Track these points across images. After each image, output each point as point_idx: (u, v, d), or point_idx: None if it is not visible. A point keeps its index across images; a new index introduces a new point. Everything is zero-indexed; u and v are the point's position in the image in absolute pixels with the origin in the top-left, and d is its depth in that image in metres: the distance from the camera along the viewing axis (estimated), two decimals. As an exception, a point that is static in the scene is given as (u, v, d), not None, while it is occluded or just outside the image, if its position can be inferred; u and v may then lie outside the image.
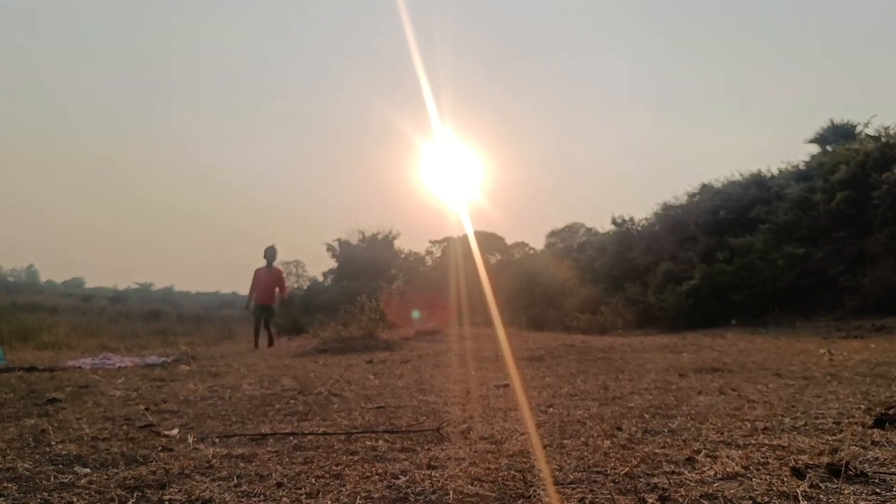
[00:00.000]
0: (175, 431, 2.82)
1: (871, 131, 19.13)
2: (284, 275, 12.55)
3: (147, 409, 3.49)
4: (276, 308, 12.14)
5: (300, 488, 1.92)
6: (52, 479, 2.03)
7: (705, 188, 23.25)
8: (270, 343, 11.50)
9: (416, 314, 11.82)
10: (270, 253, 12.02)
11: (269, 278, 11.85)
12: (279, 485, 1.95)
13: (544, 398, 3.86)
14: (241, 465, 2.21)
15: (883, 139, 16.73)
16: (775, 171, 21.96)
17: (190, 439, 2.63)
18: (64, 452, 2.37)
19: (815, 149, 22.25)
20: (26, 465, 2.18)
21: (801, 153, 39.02)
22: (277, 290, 12.04)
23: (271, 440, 2.65)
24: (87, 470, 2.14)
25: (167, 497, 1.83)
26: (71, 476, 2.06)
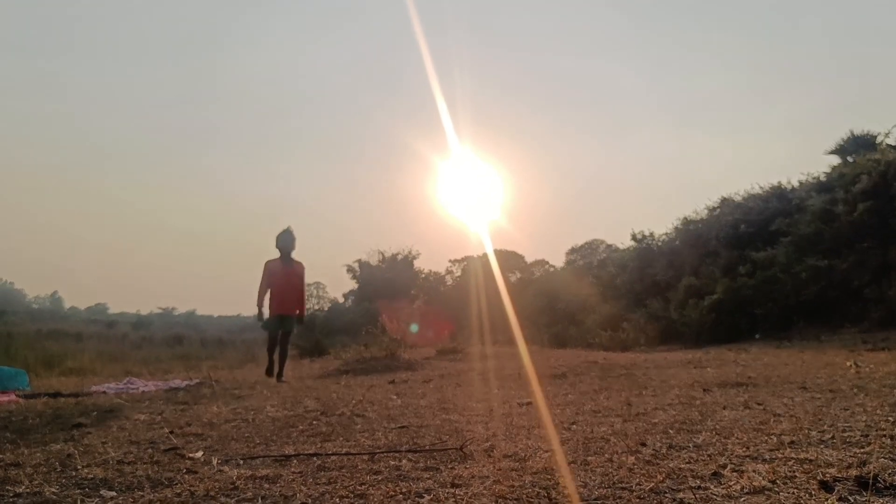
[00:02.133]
0: (199, 454, 2.83)
1: (891, 141, 18.97)
2: (306, 273, 9.03)
3: (171, 432, 3.51)
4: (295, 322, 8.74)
5: (324, 508, 1.92)
6: (79, 502, 2.04)
7: (725, 202, 23.10)
8: (281, 370, 8.35)
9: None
10: (286, 240, 8.60)
11: (289, 277, 8.57)
12: (303, 505, 1.96)
13: (567, 415, 3.84)
14: (266, 486, 2.22)
15: (905, 148, 16.57)
16: (796, 184, 21.79)
17: (214, 462, 2.64)
18: (90, 476, 2.39)
19: (835, 160, 22.09)
20: (53, 490, 2.20)
21: (821, 164, 38.71)
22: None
23: (295, 461, 2.66)
24: (114, 493, 2.15)
25: (193, 519, 1.84)
26: (97, 500, 2.07)
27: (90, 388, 7.36)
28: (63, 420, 4.01)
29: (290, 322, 8.61)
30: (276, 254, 8.69)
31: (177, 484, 2.26)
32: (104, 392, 6.82)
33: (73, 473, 2.46)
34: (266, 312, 8.52)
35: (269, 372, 8.45)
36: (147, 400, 5.41)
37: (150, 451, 2.96)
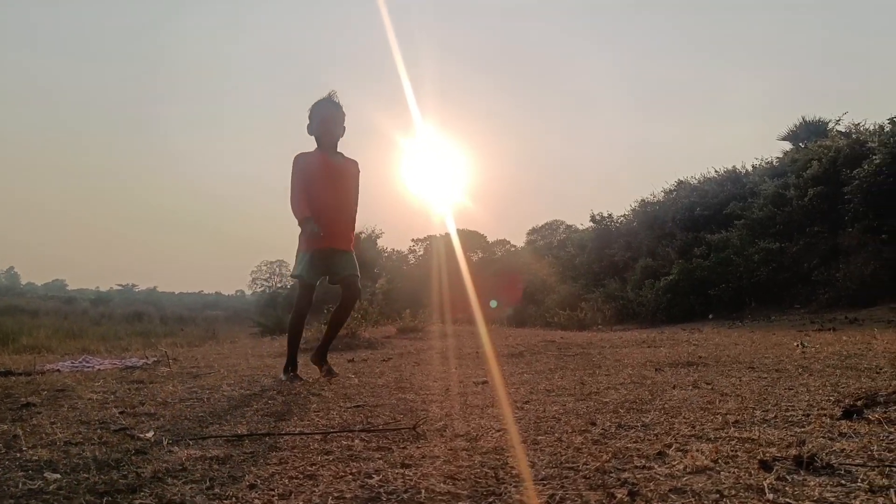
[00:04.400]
0: (150, 434, 2.80)
1: (841, 128, 19.48)
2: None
3: (123, 412, 3.47)
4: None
5: (273, 489, 1.92)
6: (21, 485, 2.00)
7: (682, 185, 23.57)
8: (324, 350, 5.47)
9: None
10: (329, 116, 5.07)
11: (338, 182, 5.13)
12: (252, 486, 1.96)
13: (522, 394, 3.89)
14: (215, 466, 2.21)
15: (853, 136, 17.06)
16: (750, 168, 22.30)
17: (165, 442, 2.62)
18: (35, 458, 2.35)
19: (787, 146, 22.63)
20: (-5, 471, 2.16)
21: (774, 149, 39.54)
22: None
23: (247, 441, 2.65)
24: (58, 475, 2.12)
25: (137, 501, 1.83)
26: (40, 482, 2.04)
27: (44, 366, 7.20)
28: (12, 399, 3.92)
29: (349, 260, 5.14)
30: (309, 145, 5.17)
31: (124, 465, 2.24)
32: (58, 370, 6.69)
33: (18, 455, 2.41)
34: (312, 230, 4.81)
35: (290, 368, 5.12)
36: (101, 378, 5.33)
37: (99, 431, 2.92)
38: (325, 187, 5.04)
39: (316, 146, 5.15)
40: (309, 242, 4.96)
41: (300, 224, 4.90)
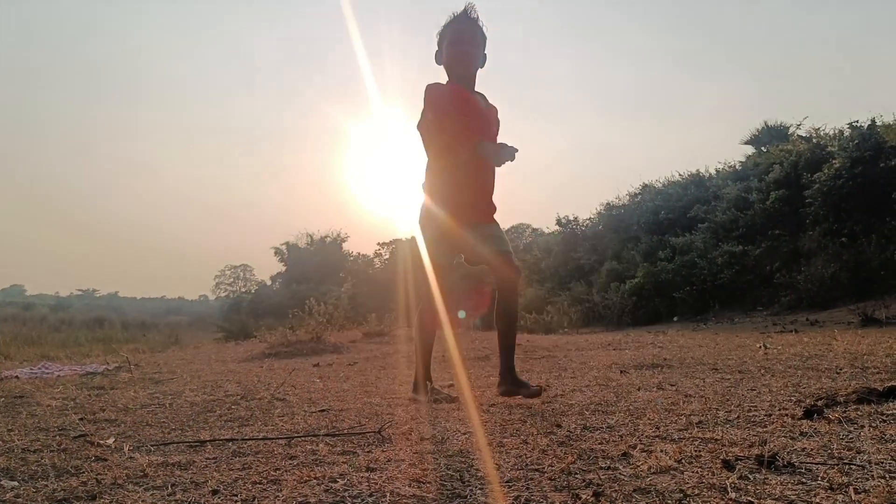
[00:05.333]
0: (111, 441, 2.75)
1: (802, 132, 19.91)
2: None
3: (83, 418, 3.40)
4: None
5: (236, 495, 1.89)
6: (-23, 493, 1.95)
7: (647, 188, 23.87)
8: (511, 363, 3.75)
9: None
10: (462, 33, 3.62)
11: (487, 126, 3.76)
12: (214, 492, 1.92)
13: (487, 397, 3.90)
14: (177, 472, 2.17)
15: (814, 140, 17.45)
16: (713, 172, 22.68)
17: (125, 448, 2.56)
18: (-9, 466, 2.29)
19: (750, 149, 23.07)
20: (-50, 481, 2.10)
21: (737, 153, 40.29)
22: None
23: (210, 447, 2.60)
24: (15, 483, 2.07)
25: (97, 508, 1.79)
26: (-3, 490, 1.99)
27: (1, 373, 7.03)
28: (-34, 407, 3.82)
29: (499, 233, 3.87)
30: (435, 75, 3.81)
31: (83, 472, 2.19)
32: (16, 377, 6.54)
33: (-27, 463, 2.34)
34: (439, 216, 3.80)
35: (422, 386, 3.98)
36: (61, 385, 5.22)
37: (58, 438, 2.85)
38: (473, 128, 3.65)
39: (447, 79, 3.77)
40: (443, 203, 3.75)
41: (475, 153, 3.55)
